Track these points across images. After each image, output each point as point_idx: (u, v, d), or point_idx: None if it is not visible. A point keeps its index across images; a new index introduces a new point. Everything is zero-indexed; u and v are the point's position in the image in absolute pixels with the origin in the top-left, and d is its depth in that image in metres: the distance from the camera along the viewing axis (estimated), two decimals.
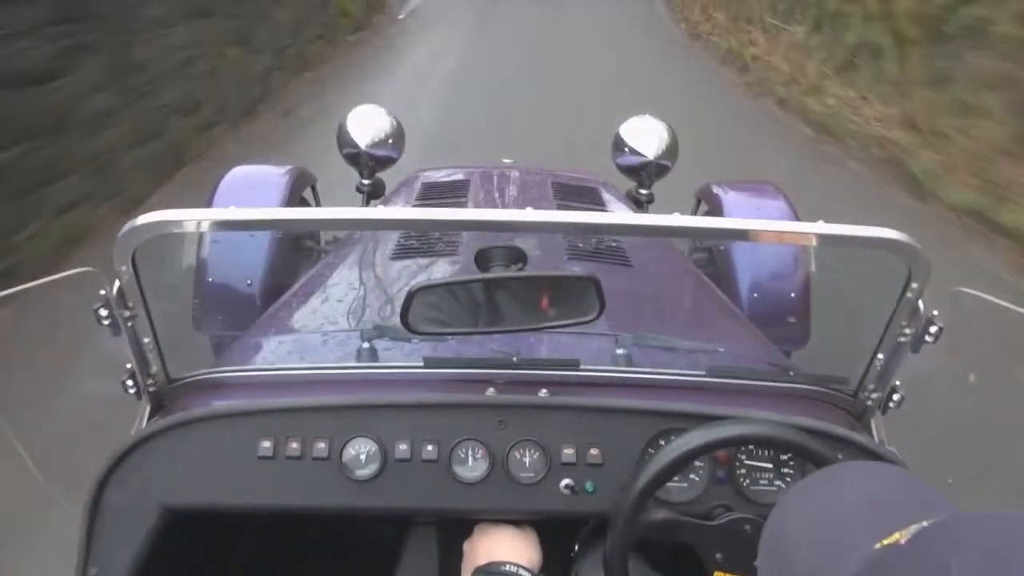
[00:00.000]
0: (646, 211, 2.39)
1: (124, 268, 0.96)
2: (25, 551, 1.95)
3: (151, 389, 1.10)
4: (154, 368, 1.08)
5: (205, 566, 1.26)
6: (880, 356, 1.08)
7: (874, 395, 1.12)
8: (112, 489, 1.01)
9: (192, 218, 0.96)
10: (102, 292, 0.97)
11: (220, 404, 1.09)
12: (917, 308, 1.02)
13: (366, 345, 1.21)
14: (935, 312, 1.02)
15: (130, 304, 1.00)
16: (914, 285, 0.99)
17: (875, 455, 1.03)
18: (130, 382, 1.08)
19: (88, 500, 1.00)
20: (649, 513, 0.96)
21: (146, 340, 1.04)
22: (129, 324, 1.01)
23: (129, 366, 1.06)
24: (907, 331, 1.04)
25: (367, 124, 2.43)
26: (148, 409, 1.12)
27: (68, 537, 0.99)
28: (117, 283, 0.98)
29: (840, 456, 0.96)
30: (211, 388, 1.15)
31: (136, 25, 4.60)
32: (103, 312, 0.99)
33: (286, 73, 7.26)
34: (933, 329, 1.02)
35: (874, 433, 1.14)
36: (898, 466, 0.61)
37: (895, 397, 1.11)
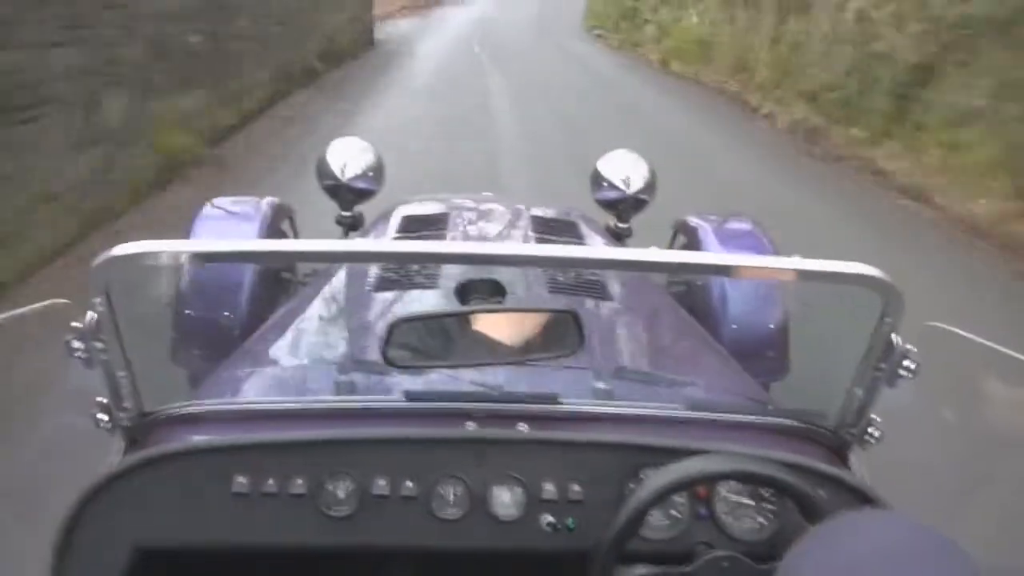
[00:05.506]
0: (624, 245, 2.42)
1: (98, 300, 0.95)
2: None
3: (124, 423, 1.07)
4: (127, 402, 1.06)
5: None
6: (857, 391, 1.09)
7: (852, 430, 1.13)
8: (82, 528, 0.98)
9: (169, 249, 0.95)
10: (74, 324, 0.96)
11: (194, 439, 1.07)
12: (891, 342, 1.03)
13: (344, 378, 1.20)
14: (909, 347, 1.03)
15: (104, 336, 0.98)
16: (887, 319, 1.00)
17: (855, 490, 1.03)
18: (102, 416, 1.05)
19: (57, 540, 0.97)
20: (629, 569, 0.95)
21: (120, 373, 1.02)
22: (103, 357, 0.99)
23: (100, 400, 1.04)
24: (882, 365, 1.05)
25: (347, 156, 2.43)
26: (121, 444, 1.10)
27: None
28: (90, 314, 0.96)
29: (821, 492, 0.96)
30: (186, 422, 1.12)
31: None
32: (75, 344, 0.97)
33: None
34: (913, 365, 1.03)
35: (853, 468, 1.14)
36: (909, 516, 0.61)
37: (875, 433, 1.12)
